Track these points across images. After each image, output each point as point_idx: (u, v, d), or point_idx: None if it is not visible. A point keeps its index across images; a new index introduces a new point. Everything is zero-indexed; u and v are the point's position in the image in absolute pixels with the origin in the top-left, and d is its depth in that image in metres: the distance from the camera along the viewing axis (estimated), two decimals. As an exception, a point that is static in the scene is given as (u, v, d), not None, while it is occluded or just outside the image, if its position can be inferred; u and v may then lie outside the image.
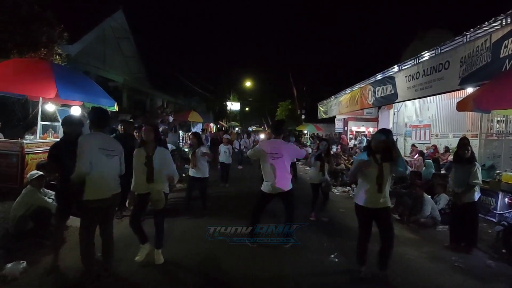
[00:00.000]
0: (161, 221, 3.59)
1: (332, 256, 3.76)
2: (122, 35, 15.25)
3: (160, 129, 6.45)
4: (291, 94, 31.79)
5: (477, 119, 8.72)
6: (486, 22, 5.79)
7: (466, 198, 3.92)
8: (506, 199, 4.09)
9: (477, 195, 3.97)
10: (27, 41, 7.08)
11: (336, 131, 21.80)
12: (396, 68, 9.47)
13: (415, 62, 8.33)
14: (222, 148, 8.54)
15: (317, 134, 22.19)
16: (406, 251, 4.06)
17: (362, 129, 20.76)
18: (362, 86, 12.48)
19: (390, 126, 13.35)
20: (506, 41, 5.33)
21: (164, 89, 17.42)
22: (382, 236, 3.17)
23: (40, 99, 5.27)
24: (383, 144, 3.10)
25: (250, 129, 39.57)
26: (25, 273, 3.15)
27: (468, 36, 6.32)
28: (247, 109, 54.21)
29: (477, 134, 9.00)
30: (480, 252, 4.05)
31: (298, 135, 24.40)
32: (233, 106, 39.03)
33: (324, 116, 19.30)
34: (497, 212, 4.17)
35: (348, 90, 14.44)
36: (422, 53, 7.98)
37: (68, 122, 3.48)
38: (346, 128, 21.12)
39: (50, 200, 4.20)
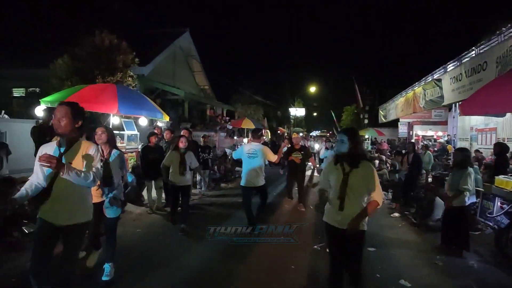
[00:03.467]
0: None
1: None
2: (189, 53, 17.41)
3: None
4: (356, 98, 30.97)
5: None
6: (515, 20, 5.48)
7: (456, 202, 4.00)
8: (499, 203, 3.95)
9: (468, 200, 4.00)
10: (108, 67, 9.09)
11: (399, 136, 20.66)
12: (442, 70, 9.07)
13: (458, 64, 7.94)
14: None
15: (376, 139, 21.35)
16: (393, 248, 4.30)
17: (430, 133, 19.28)
18: (415, 88, 11.96)
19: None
20: (535, 40, 5.02)
21: (225, 98, 19.16)
22: (347, 268, 2.67)
23: (111, 114, 6.92)
24: (347, 148, 2.58)
25: (313, 133, 39.50)
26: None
27: (502, 35, 5.98)
28: (315, 114, 54.04)
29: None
30: (473, 254, 4.05)
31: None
32: (298, 112, 39.45)
33: (384, 120, 18.55)
34: (491, 215, 4.05)
35: (403, 93, 13.87)
36: (463, 54, 7.61)
37: None
38: (411, 132, 19.87)
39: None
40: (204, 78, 19.21)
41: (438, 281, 3.35)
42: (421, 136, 19.21)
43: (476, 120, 12.13)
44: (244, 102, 20.20)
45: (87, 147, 2.50)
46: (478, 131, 11.97)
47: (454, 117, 12.44)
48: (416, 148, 12.21)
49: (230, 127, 16.84)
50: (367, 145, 21.24)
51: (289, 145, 7.18)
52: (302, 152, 6.59)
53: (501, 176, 4.26)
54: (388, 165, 9.50)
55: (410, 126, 19.81)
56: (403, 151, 7.89)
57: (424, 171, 7.62)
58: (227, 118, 17.78)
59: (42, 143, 2.68)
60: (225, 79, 19.62)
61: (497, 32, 6.09)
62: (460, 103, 4.62)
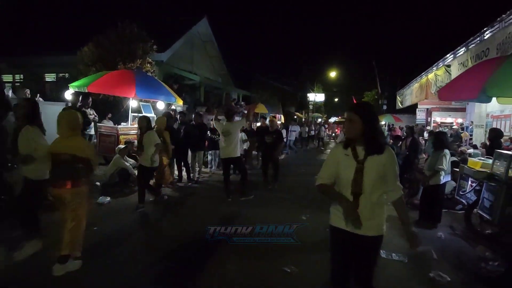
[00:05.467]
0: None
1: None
2: (207, 38, 17.87)
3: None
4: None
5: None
6: (513, 7, 5.54)
7: (432, 180, 4.39)
8: (470, 182, 4.26)
9: (442, 179, 4.37)
10: (128, 55, 9.79)
11: (417, 122, 20.36)
12: (452, 56, 9.07)
13: (465, 49, 7.96)
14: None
15: (394, 125, 21.16)
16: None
17: (449, 120, 18.93)
18: (429, 74, 11.90)
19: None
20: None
21: (242, 84, 19.62)
22: (356, 278, 2.14)
23: (131, 98, 7.63)
24: (358, 127, 1.99)
25: (333, 119, 39.17)
26: (108, 204, 5.30)
27: (503, 22, 6.04)
28: (336, 100, 53.27)
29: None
30: (446, 228, 4.45)
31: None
32: (317, 97, 39.09)
33: (401, 106, 18.39)
34: (463, 193, 4.37)
35: (418, 79, 13.77)
36: (470, 39, 7.64)
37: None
38: (429, 119, 19.58)
39: (128, 164, 6.41)
40: (222, 64, 19.72)
41: (402, 246, 3.79)
42: (439, 123, 18.92)
43: (493, 107, 11.89)
44: (260, 87, 20.59)
45: None
46: (493, 117, 11.78)
47: (468, 104, 12.33)
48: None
49: (245, 111, 17.34)
50: (384, 131, 21.14)
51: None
52: (274, 136, 6.92)
53: (475, 158, 4.56)
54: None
55: (429, 113, 19.52)
56: (403, 136, 8.14)
57: (425, 156, 7.87)
58: (243, 103, 18.33)
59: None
60: (242, 65, 20.08)
61: (498, 18, 6.14)
62: (438, 90, 4.86)
